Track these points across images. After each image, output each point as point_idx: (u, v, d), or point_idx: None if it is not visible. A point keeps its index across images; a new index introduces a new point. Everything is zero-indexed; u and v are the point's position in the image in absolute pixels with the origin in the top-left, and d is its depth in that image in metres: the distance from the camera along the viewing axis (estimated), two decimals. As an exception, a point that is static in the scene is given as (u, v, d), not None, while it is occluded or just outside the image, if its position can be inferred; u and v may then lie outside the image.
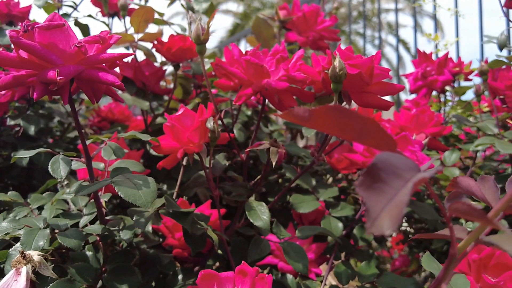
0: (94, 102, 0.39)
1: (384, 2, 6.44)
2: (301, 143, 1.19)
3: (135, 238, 0.54)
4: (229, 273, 0.40)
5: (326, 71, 0.47)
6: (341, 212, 0.68)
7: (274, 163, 0.50)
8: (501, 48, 0.76)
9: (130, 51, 0.82)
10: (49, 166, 0.41)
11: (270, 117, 1.00)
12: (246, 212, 0.50)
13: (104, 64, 0.39)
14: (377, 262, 0.79)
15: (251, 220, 0.49)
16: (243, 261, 0.40)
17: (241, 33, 3.53)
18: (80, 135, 0.42)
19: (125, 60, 0.77)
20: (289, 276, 0.66)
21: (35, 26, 0.34)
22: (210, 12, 0.83)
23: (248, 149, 0.52)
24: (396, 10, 2.17)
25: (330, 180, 0.91)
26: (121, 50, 0.88)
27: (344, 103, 0.50)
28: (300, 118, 0.23)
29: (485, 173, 0.97)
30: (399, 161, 0.21)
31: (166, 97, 0.83)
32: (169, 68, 0.83)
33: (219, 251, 0.63)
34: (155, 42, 0.72)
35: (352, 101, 0.50)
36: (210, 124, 0.48)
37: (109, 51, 0.40)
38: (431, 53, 0.89)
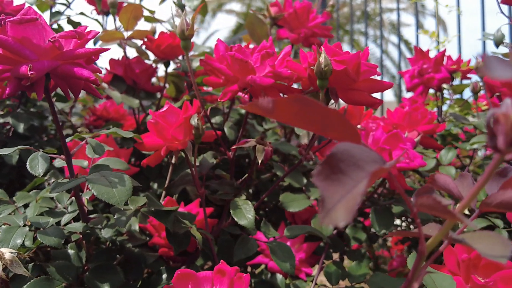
0: (69, 98, 0.39)
1: (388, 2, 6.40)
2: (296, 142, 1.18)
3: (120, 236, 0.54)
4: (208, 273, 0.39)
5: (312, 67, 0.46)
6: (333, 211, 0.67)
7: (260, 161, 0.49)
8: (497, 45, 0.75)
9: (130, 50, 0.82)
10: (27, 163, 0.40)
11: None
12: (231, 211, 0.49)
13: (82, 60, 0.39)
14: (369, 262, 0.78)
15: (235, 219, 0.48)
16: (221, 260, 0.39)
17: (243, 32, 3.53)
18: (59, 132, 0.42)
19: (116, 57, 0.76)
20: (279, 276, 0.65)
21: (7, 20, 0.34)
22: (203, 10, 0.83)
23: (234, 147, 0.51)
24: (398, 10, 2.15)
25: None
26: (113, 48, 0.88)
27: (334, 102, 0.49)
28: (264, 110, 0.22)
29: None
30: (362, 152, 0.20)
31: (159, 95, 0.83)
32: (163, 66, 0.82)
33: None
34: (146, 40, 0.71)
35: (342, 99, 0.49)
36: (194, 121, 0.48)
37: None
38: (428, 50, 0.88)
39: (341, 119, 0.20)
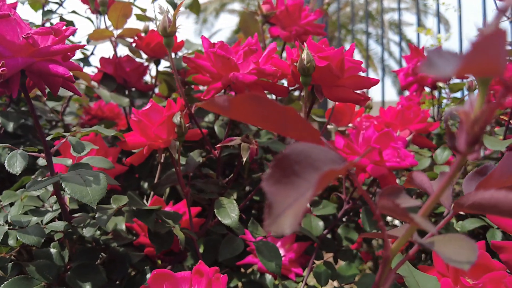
0: (45, 96, 0.38)
1: (391, 1, 6.36)
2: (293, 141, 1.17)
3: (105, 236, 0.53)
4: (186, 273, 0.38)
5: (295, 63, 0.46)
6: (323, 210, 0.66)
7: (244, 159, 0.48)
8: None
9: (124, 48, 0.81)
10: (5, 161, 0.40)
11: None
12: (215, 210, 0.48)
13: (59, 57, 0.38)
14: (361, 262, 0.77)
15: (219, 218, 0.47)
16: (200, 261, 0.38)
17: (244, 31, 3.51)
18: (39, 130, 0.41)
19: (106, 56, 0.76)
20: (268, 276, 0.65)
21: (-21, 16, 0.33)
22: (196, 7, 0.82)
23: (219, 145, 0.50)
24: (399, 9, 2.15)
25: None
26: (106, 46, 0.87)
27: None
28: (221, 108, 0.21)
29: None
30: (320, 152, 0.19)
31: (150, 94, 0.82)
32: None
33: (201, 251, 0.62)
34: (136, 38, 0.71)
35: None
36: (176, 119, 0.47)
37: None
38: (423, 47, 0.87)
39: (298, 118, 0.20)
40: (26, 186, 0.39)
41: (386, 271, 0.21)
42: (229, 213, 0.48)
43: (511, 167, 0.25)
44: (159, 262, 0.60)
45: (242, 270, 0.71)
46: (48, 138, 0.44)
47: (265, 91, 0.52)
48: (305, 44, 0.45)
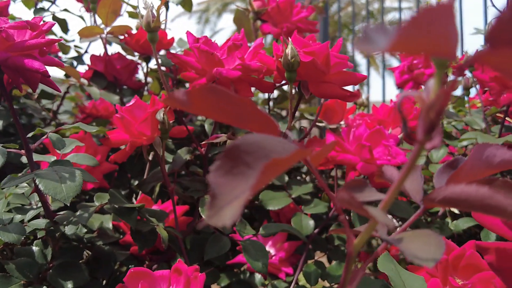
0: (22, 91, 0.38)
1: (394, 1, 6.33)
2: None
3: (90, 234, 0.53)
4: (165, 272, 0.38)
5: (280, 59, 0.45)
6: (314, 209, 0.65)
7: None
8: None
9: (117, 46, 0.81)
10: (-17, 158, 0.39)
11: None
12: (200, 208, 0.48)
13: (36, 52, 0.38)
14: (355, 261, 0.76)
15: (203, 217, 0.47)
16: (179, 259, 0.38)
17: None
18: (18, 128, 0.41)
19: (97, 53, 0.76)
20: (257, 276, 0.64)
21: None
22: (188, 4, 0.81)
23: (204, 142, 0.50)
24: (400, 9, 2.14)
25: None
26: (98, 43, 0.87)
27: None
28: (180, 102, 0.20)
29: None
30: (277, 144, 0.18)
31: (146, 92, 0.82)
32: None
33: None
34: (126, 35, 0.70)
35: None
36: (159, 115, 0.46)
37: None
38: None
39: (256, 110, 0.19)
40: (2, 183, 0.38)
41: (350, 268, 0.20)
42: (213, 211, 0.47)
43: (481, 160, 0.24)
44: (148, 261, 0.59)
45: (236, 270, 0.71)
46: (29, 135, 0.44)
47: (252, 87, 0.52)
48: (289, 39, 0.44)
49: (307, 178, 0.83)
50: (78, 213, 0.45)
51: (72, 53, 0.94)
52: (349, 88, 0.50)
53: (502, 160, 0.24)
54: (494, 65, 0.13)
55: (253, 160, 0.17)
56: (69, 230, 0.45)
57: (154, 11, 0.47)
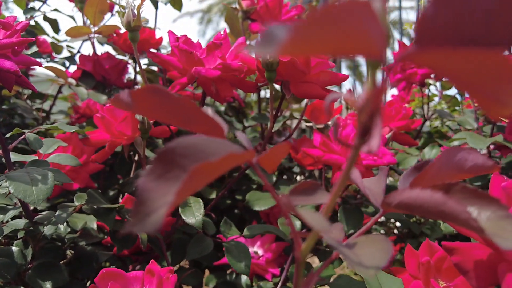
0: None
1: (396, 0, 6.31)
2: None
3: (73, 234, 0.53)
4: (138, 273, 0.38)
5: (260, 58, 0.44)
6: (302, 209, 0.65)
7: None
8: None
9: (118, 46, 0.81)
10: (-41, 158, 0.39)
11: (246, 113, 0.97)
12: (180, 209, 0.47)
13: (9, 52, 0.38)
14: (341, 263, 0.75)
15: (183, 217, 0.46)
16: (152, 260, 0.37)
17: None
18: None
19: (86, 53, 0.75)
20: (244, 277, 0.63)
21: None
22: (178, 4, 0.81)
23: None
24: (400, 8, 2.13)
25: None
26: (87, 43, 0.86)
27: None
28: (126, 104, 0.20)
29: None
30: (219, 146, 0.18)
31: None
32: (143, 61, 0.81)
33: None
34: (114, 35, 0.70)
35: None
36: (139, 115, 0.46)
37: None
38: (412, 44, 0.84)
39: (199, 111, 0.18)
40: (-26, 183, 0.38)
41: (300, 274, 0.19)
42: (194, 212, 0.47)
43: (451, 164, 0.23)
44: (133, 262, 0.59)
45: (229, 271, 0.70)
46: (8, 135, 0.44)
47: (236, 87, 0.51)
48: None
49: (298, 178, 0.82)
50: (57, 213, 0.45)
51: (66, 53, 0.94)
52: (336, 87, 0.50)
53: (474, 165, 0.23)
54: (423, 64, 0.13)
55: (189, 163, 0.16)
56: (48, 230, 0.45)
57: (134, 10, 0.47)
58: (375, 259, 0.17)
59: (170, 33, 0.49)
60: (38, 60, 0.89)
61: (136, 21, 0.47)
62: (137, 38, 0.48)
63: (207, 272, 0.70)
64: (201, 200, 0.49)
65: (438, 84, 0.89)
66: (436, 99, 0.96)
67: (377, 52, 0.12)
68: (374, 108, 0.14)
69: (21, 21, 0.38)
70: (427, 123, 0.92)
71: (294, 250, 0.19)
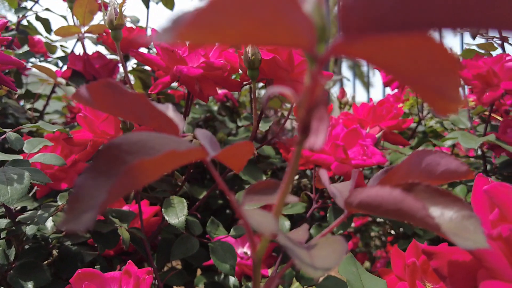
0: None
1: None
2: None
3: (59, 233, 0.52)
4: (116, 273, 0.37)
5: (242, 57, 0.44)
6: (291, 209, 0.64)
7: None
8: (473, 37, 0.71)
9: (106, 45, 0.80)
10: None
11: (240, 112, 0.96)
12: (163, 209, 0.47)
13: None
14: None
15: (166, 218, 0.46)
16: (129, 261, 0.37)
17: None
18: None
19: (76, 53, 0.75)
20: (232, 278, 0.63)
21: None
22: (170, 3, 0.81)
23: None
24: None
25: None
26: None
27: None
28: (84, 100, 0.20)
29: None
30: (170, 143, 0.17)
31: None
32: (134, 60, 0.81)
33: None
34: (104, 34, 0.70)
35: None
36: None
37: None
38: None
39: (152, 107, 0.18)
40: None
41: (257, 276, 0.19)
42: (177, 213, 0.46)
43: (421, 167, 0.23)
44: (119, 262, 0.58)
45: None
46: (-12, 134, 0.43)
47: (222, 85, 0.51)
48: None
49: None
50: (38, 213, 0.44)
51: (60, 53, 0.94)
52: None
53: (446, 170, 0.22)
54: (354, 56, 0.12)
55: (134, 159, 0.16)
56: (29, 230, 0.45)
57: (117, 8, 0.47)
58: (327, 261, 0.17)
59: (153, 30, 0.49)
60: (32, 59, 0.89)
61: (119, 20, 0.46)
62: (119, 36, 0.47)
63: (200, 272, 0.69)
64: (185, 201, 0.48)
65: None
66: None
67: (303, 44, 0.12)
68: (311, 103, 0.13)
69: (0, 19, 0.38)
70: (422, 122, 0.91)
71: (251, 252, 0.19)
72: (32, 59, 0.90)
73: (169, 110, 0.20)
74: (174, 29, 0.09)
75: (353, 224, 1.39)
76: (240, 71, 0.50)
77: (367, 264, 1.77)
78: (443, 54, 0.13)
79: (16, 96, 0.75)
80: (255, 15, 0.10)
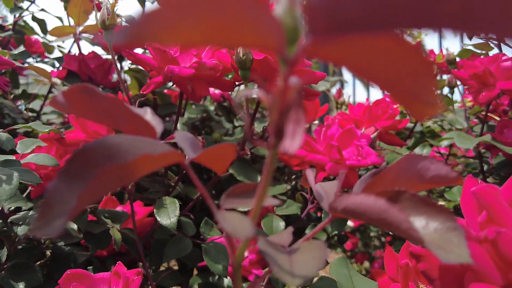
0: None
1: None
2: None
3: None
4: (105, 274, 0.37)
5: (233, 56, 0.44)
6: (287, 210, 0.64)
7: (187, 157, 0.46)
8: (469, 37, 0.70)
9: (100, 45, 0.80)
10: None
11: (237, 112, 0.96)
12: (155, 210, 0.47)
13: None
14: (326, 265, 0.74)
15: (158, 219, 0.46)
16: (119, 262, 0.37)
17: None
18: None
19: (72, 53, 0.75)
20: (226, 279, 0.63)
21: None
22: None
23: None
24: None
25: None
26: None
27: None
28: (61, 105, 0.19)
29: (468, 172, 0.90)
30: (148, 147, 0.17)
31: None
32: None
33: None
34: (99, 34, 0.70)
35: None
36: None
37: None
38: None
39: (129, 111, 0.18)
40: None
41: (237, 282, 0.19)
42: (169, 213, 0.46)
43: (411, 172, 0.22)
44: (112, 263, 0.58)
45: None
46: (-21, 135, 0.43)
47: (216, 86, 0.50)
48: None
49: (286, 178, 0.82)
50: (30, 213, 0.44)
51: (57, 53, 0.94)
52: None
53: (436, 175, 0.22)
54: (326, 57, 0.12)
55: (105, 162, 0.16)
56: (21, 230, 0.45)
57: (109, 8, 0.46)
58: (306, 268, 0.16)
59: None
60: (30, 59, 0.88)
61: (111, 20, 0.46)
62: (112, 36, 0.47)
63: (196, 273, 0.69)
64: (177, 202, 0.48)
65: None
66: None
67: (272, 46, 0.11)
68: (284, 106, 0.13)
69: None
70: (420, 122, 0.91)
71: (230, 255, 0.18)
72: (30, 60, 0.90)
73: (147, 113, 0.20)
74: (129, 29, 0.09)
75: (352, 224, 1.39)
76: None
77: (366, 264, 1.76)
78: (418, 57, 0.12)
79: (12, 96, 0.75)
80: (217, 16, 0.10)
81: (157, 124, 0.19)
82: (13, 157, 0.50)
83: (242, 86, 0.61)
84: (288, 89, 0.13)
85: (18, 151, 0.50)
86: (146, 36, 0.10)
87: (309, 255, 0.18)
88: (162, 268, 0.67)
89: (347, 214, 0.20)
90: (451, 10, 0.09)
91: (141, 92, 0.47)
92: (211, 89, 0.87)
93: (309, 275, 0.16)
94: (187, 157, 0.18)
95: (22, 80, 1.07)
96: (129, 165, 0.14)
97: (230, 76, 0.69)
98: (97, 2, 0.60)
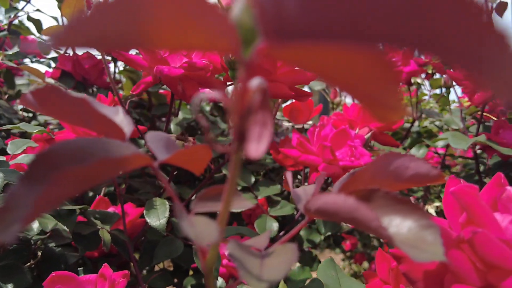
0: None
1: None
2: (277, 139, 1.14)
3: (43, 235, 0.52)
4: (91, 276, 0.37)
5: (223, 57, 0.43)
6: (280, 211, 0.64)
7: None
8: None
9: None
10: None
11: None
12: (145, 211, 0.46)
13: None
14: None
15: (147, 220, 0.45)
16: (105, 264, 0.36)
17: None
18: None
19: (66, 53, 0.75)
20: (220, 279, 0.62)
21: None
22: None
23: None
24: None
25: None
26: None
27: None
28: (32, 104, 0.19)
29: (466, 172, 0.89)
30: (117, 149, 0.17)
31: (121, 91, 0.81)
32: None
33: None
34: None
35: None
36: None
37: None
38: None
39: (96, 112, 0.17)
40: None
41: (211, 283, 0.18)
42: (158, 215, 0.46)
43: (388, 171, 0.22)
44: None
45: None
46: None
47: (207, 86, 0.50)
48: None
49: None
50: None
51: (52, 54, 0.94)
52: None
53: (416, 174, 0.22)
54: (283, 60, 0.11)
55: (67, 163, 0.15)
56: (10, 232, 0.44)
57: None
58: (274, 272, 0.16)
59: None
60: (26, 60, 0.88)
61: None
62: (102, 37, 0.47)
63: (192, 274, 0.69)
64: (167, 203, 0.48)
65: (427, 82, 0.87)
66: (425, 97, 0.94)
67: (224, 48, 0.11)
68: (244, 109, 0.13)
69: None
70: (417, 122, 0.90)
71: (201, 262, 0.18)
72: (26, 60, 0.90)
73: (118, 114, 0.19)
74: (61, 34, 0.09)
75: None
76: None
77: (366, 264, 1.76)
78: (379, 63, 0.12)
79: (7, 96, 0.75)
80: (161, 19, 0.10)
81: (126, 125, 0.18)
82: (3, 158, 0.50)
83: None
84: (247, 91, 0.12)
85: (9, 151, 0.50)
86: (72, 41, 0.09)
87: (280, 259, 0.17)
88: (157, 269, 0.67)
89: (321, 214, 0.19)
90: (380, 30, 0.09)
91: (131, 92, 0.47)
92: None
93: (277, 279, 0.15)
94: (157, 159, 0.18)
95: (20, 81, 1.07)
96: (89, 169, 0.14)
97: (222, 77, 0.69)
98: (92, 1, 0.60)
